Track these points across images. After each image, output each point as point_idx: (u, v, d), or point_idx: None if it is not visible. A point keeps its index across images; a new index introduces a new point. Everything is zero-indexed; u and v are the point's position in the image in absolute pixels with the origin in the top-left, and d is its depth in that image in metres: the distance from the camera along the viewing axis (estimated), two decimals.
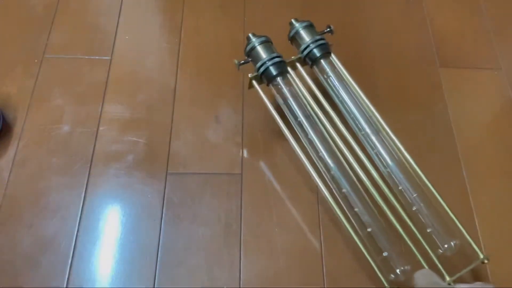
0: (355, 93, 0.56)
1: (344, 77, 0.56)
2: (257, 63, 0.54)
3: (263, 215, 0.55)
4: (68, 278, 0.51)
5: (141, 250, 0.53)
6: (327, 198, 0.49)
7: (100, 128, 0.60)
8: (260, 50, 0.54)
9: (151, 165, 0.58)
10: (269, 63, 0.53)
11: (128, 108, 0.62)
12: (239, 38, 0.63)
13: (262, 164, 0.59)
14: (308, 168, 0.51)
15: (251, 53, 0.55)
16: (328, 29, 0.57)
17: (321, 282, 0.52)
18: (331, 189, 0.51)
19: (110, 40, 0.68)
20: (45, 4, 0.70)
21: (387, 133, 0.53)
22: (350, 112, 0.55)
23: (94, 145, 0.59)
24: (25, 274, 0.51)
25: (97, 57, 0.66)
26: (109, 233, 0.54)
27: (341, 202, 0.50)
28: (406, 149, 0.52)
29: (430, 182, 0.51)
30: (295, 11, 0.73)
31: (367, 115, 0.54)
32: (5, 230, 0.53)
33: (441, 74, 0.68)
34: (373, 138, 0.53)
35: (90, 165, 0.58)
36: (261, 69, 0.53)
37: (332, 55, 0.57)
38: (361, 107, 0.55)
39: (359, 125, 0.54)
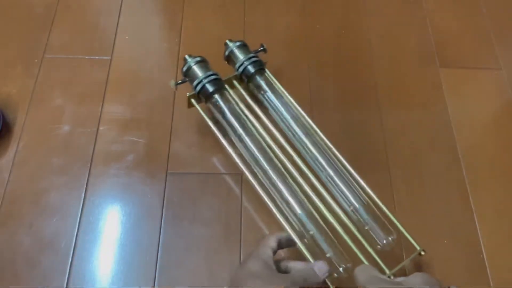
0: (290, 105, 0.57)
1: (279, 91, 0.58)
2: (193, 81, 0.55)
3: (263, 214, 0.55)
4: (68, 278, 0.51)
5: (141, 250, 0.53)
6: (269, 206, 0.50)
7: (100, 128, 0.60)
8: (196, 69, 0.55)
9: (151, 165, 0.58)
10: (205, 80, 0.54)
11: (128, 108, 0.62)
12: (239, 38, 0.63)
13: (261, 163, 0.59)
14: (249, 179, 0.52)
15: (188, 73, 0.56)
16: (262, 48, 0.60)
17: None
18: (274, 196, 0.52)
19: (110, 40, 0.68)
20: (45, 4, 0.70)
21: (321, 139, 0.55)
22: (286, 123, 0.57)
23: (94, 145, 0.59)
24: (25, 274, 0.51)
25: (97, 57, 0.66)
26: (109, 233, 0.54)
27: (284, 208, 0.51)
28: (338, 151, 0.54)
29: (362, 179, 0.53)
30: (295, 11, 0.73)
31: (302, 124, 0.56)
32: (5, 230, 0.53)
33: (441, 74, 0.68)
34: (309, 145, 0.54)
35: (90, 165, 0.58)
36: (198, 87, 0.54)
37: (267, 71, 0.59)
38: (296, 117, 0.57)
39: (295, 134, 0.56)
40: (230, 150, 0.53)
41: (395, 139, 0.62)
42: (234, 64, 0.58)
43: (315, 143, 0.54)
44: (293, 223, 0.50)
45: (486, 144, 0.63)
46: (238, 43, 0.59)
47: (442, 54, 0.70)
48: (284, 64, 0.67)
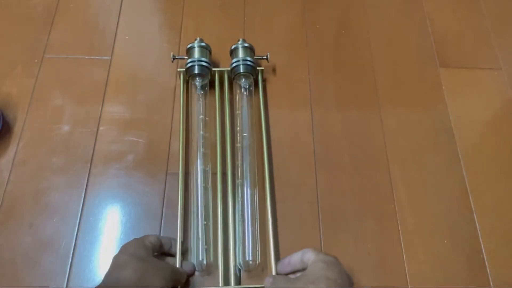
0: (255, 114, 0.61)
1: (253, 100, 0.62)
2: (188, 59, 0.61)
3: (263, 214, 0.55)
4: (68, 278, 0.51)
5: None
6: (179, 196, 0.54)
7: (100, 128, 0.60)
8: (196, 51, 0.61)
9: (151, 165, 0.58)
10: (196, 62, 0.59)
11: (128, 108, 0.62)
12: (239, 38, 0.63)
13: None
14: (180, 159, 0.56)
15: (189, 51, 0.62)
16: (265, 57, 0.63)
17: None
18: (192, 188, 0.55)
19: (110, 40, 0.68)
20: (45, 4, 0.70)
21: (263, 153, 0.57)
22: (241, 127, 0.59)
23: (94, 145, 0.59)
24: (25, 274, 0.51)
25: (97, 57, 0.66)
26: (109, 233, 0.54)
27: (193, 199, 0.54)
28: (269, 166, 0.57)
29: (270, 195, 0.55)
30: (295, 11, 0.73)
31: (252, 134, 0.58)
32: (5, 230, 0.53)
33: (441, 74, 0.68)
34: (245, 152, 0.57)
35: (90, 165, 0.58)
36: (188, 65, 0.60)
37: (259, 78, 0.63)
38: (252, 125, 0.59)
39: (243, 141, 0.58)
40: (181, 129, 0.58)
41: (395, 139, 0.62)
42: (232, 59, 0.62)
43: (251, 154, 0.57)
44: (193, 212, 0.53)
45: (486, 144, 0.63)
46: (246, 44, 0.62)
47: (442, 54, 0.70)
48: (284, 64, 0.67)
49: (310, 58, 0.68)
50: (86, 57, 0.66)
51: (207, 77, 0.61)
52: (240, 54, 0.61)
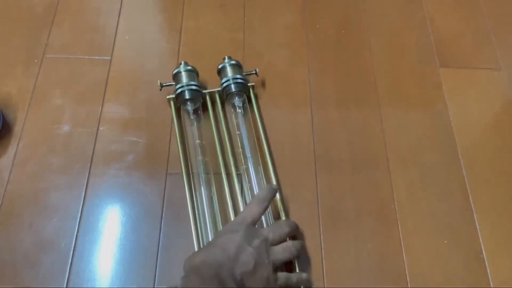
0: (253, 133, 0.60)
1: (250, 117, 0.61)
2: (177, 85, 0.59)
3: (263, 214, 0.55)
4: (68, 278, 0.51)
5: (141, 250, 0.53)
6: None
7: (100, 128, 0.60)
8: (183, 75, 0.60)
9: (151, 165, 0.58)
10: (186, 87, 0.58)
11: (128, 108, 0.62)
12: (239, 38, 0.63)
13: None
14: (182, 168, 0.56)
15: (176, 77, 0.61)
16: (254, 72, 0.62)
17: (321, 283, 0.52)
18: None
19: (110, 40, 0.68)
20: (45, 4, 0.70)
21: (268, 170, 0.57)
22: (243, 149, 0.58)
23: (94, 145, 0.59)
24: (25, 273, 0.51)
25: (97, 57, 0.66)
26: (109, 233, 0.54)
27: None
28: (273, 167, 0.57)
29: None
30: (295, 11, 0.73)
31: (255, 153, 0.58)
32: (5, 230, 0.53)
33: (441, 74, 0.68)
34: (252, 170, 0.56)
35: (90, 165, 0.58)
36: (178, 91, 0.59)
37: (251, 94, 0.62)
38: (253, 146, 0.58)
39: (245, 161, 0.57)
40: (181, 153, 0.57)
41: (395, 139, 0.62)
42: (221, 79, 0.61)
43: (257, 174, 0.57)
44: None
45: (486, 144, 0.63)
46: (233, 62, 0.61)
47: (442, 54, 0.70)
48: (284, 64, 0.67)
49: (310, 58, 0.68)
50: (86, 57, 0.66)
51: (199, 100, 0.60)
52: (229, 73, 0.60)
